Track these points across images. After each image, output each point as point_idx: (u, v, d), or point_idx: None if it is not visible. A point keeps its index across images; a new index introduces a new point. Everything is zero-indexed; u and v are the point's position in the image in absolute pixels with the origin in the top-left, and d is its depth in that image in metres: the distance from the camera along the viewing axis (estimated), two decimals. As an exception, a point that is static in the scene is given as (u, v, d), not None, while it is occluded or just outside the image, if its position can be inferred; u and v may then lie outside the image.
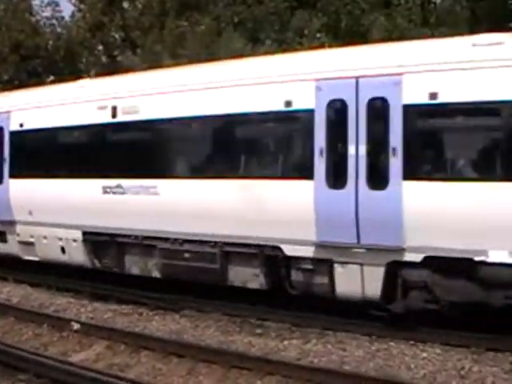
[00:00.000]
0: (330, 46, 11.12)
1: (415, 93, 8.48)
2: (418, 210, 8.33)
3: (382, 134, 8.65)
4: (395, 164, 8.48)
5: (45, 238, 12.85)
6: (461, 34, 10.48)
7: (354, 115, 8.80)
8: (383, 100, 8.66)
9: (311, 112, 9.15)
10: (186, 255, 10.71)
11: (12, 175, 13.27)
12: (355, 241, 8.78)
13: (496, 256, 7.96)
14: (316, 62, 9.69)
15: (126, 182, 11.18)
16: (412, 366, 7.88)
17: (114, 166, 11.44)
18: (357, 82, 8.83)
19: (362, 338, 9.02)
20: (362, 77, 8.80)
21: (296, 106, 9.38)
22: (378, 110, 8.72)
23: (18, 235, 13.40)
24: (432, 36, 15.22)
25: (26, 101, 13.49)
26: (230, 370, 7.82)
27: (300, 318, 9.97)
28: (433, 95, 8.35)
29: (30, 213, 12.85)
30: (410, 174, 8.41)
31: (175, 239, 10.78)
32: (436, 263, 8.40)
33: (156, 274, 11.36)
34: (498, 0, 19.66)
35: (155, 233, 10.95)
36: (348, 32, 18.12)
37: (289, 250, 9.48)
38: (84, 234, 12.11)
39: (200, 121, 10.46)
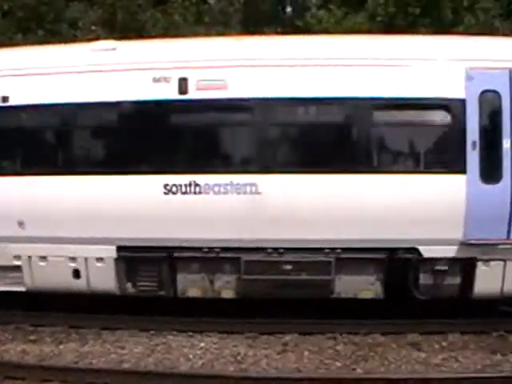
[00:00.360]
0: (106, 39, 10.55)
1: None
2: None
3: None
4: None
5: (43, 258, 9.38)
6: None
7: (509, 107, 8.64)
8: None
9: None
10: (287, 267, 8.90)
11: None
12: (505, 237, 8.62)
13: None
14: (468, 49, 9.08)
15: (203, 179, 8.83)
16: (191, 356, 8.10)
17: (184, 158, 9.01)
18: (510, 73, 8.68)
19: (140, 335, 9.03)
20: None
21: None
22: None
23: None
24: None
25: (16, 64, 9.55)
26: (3, 382, 7.37)
27: (77, 318, 9.63)
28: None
29: (21, 224, 9.29)
30: None
31: (274, 248, 8.91)
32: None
33: (228, 294, 9.20)
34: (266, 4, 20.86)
35: (243, 242, 8.83)
36: (124, 27, 17.90)
37: (427, 251, 8.77)
38: (119, 249, 9.22)
39: (328, 102, 8.82)
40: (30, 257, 9.34)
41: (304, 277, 8.90)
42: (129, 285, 9.38)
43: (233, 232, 8.77)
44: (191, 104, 8.86)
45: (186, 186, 8.77)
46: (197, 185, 8.76)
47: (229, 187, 8.72)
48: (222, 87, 8.76)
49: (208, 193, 8.75)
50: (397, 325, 9.05)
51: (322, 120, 9.04)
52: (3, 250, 9.35)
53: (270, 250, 8.91)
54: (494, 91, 8.69)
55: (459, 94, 8.66)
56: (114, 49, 9.30)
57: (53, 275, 9.31)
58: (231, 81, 8.80)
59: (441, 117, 8.84)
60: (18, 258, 9.39)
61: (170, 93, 8.80)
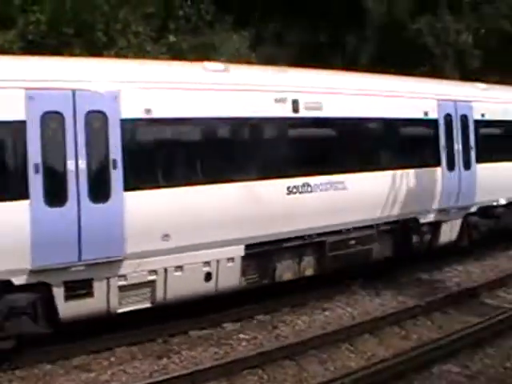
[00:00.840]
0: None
1: (132, 108, 8.98)
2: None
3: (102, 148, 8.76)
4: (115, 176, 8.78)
5: (178, 268, 9.57)
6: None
7: (72, 128, 8.51)
8: (102, 113, 8.75)
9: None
10: (352, 242, 11.66)
11: (127, 188, 9.02)
12: (76, 259, 8.50)
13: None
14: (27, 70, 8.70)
15: (313, 180, 10.90)
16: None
17: (300, 164, 10.92)
18: (74, 94, 8.53)
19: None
20: (80, 90, 8.61)
21: None
22: (96, 123, 8.70)
23: (124, 277, 9.15)
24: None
25: (156, 78, 9.82)
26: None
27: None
28: (147, 110, 9.08)
29: (165, 237, 9.34)
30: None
31: (347, 229, 11.63)
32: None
33: (310, 271, 11.33)
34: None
35: (328, 227, 11.26)
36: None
37: None
38: (246, 247, 10.22)
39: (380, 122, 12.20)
40: (165, 269, 9.43)
41: (360, 247, 11.84)
42: (243, 279, 10.41)
43: (328, 220, 11.18)
44: (301, 121, 11.00)
45: (301, 186, 10.78)
46: (309, 185, 10.85)
47: (328, 185, 11.15)
48: (319, 108, 11.21)
49: (316, 191, 10.95)
50: (64, 349, 8.85)
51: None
52: (137, 266, 9.18)
53: (343, 231, 11.58)
54: (57, 112, 8.47)
55: (19, 115, 8.25)
56: (226, 70, 10.49)
57: (186, 283, 9.63)
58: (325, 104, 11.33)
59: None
60: (153, 272, 9.36)
61: (287, 111, 10.73)
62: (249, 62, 15.57)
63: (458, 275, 13.68)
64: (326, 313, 10.90)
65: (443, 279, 13.31)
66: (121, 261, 8.96)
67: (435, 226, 13.42)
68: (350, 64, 18.68)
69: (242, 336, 9.80)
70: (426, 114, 13.12)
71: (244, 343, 9.55)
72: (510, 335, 9.78)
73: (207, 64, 10.54)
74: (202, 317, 10.19)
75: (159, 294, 9.50)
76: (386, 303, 11.48)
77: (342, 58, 22.42)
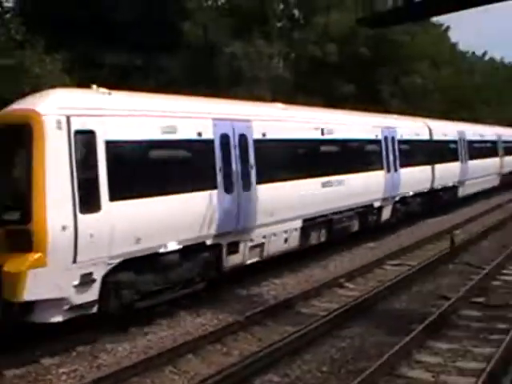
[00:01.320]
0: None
1: (257, 132, 14.11)
2: None
3: None
4: None
5: (274, 235, 14.52)
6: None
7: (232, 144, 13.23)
8: (245, 136, 13.69)
9: None
10: (345, 219, 18.04)
11: (258, 182, 13.72)
12: None
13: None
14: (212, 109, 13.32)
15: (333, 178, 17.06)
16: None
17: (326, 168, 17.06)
18: (232, 124, 13.38)
19: None
20: (235, 120, 13.46)
21: None
22: (243, 141, 13.61)
23: (251, 240, 13.84)
24: None
25: (266, 114, 15.20)
26: None
27: None
28: (263, 134, 14.36)
29: (272, 214, 14.08)
30: None
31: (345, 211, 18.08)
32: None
33: (323, 239, 17.17)
34: None
35: (333, 209, 17.36)
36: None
37: None
38: (304, 221, 15.76)
39: None
40: (268, 235, 14.53)
41: (347, 223, 18.28)
42: (299, 242, 15.81)
43: (336, 204, 17.08)
44: (325, 141, 17.11)
45: (327, 182, 16.57)
46: (330, 182, 16.72)
47: (337, 182, 17.02)
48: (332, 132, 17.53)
49: (332, 186, 16.80)
50: None
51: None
52: (257, 233, 14.13)
53: (344, 212, 17.81)
54: (227, 134, 13.10)
55: (210, 135, 12.60)
56: (286, 108, 16.73)
57: (276, 245, 14.97)
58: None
59: None
60: (264, 237, 14.36)
61: (319, 135, 16.87)
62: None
63: (275, 288, 14.30)
64: (148, 337, 10.79)
65: (261, 293, 13.82)
66: (252, 229, 13.66)
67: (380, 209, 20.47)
68: (166, 86, 18.89)
69: (61, 370, 9.39)
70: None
71: (64, 377, 9.16)
72: (324, 341, 10.37)
73: (279, 105, 16.68)
74: (18, 354, 9.65)
75: (265, 252, 14.42)
76: (206, 322, 11.62)
77: (156, 80, 22.64)
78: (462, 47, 57.66)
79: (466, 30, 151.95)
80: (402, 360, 9.15)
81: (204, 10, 25.21)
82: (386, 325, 11.15)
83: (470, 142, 28.47)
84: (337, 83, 29.47)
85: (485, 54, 69.62)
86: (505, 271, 15.00)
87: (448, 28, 51.56)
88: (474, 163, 28.90)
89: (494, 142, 34.07)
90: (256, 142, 13.77)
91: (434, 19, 43.98)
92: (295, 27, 28.93)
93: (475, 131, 30.75)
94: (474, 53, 63.95)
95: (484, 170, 30.45)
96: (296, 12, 29.78)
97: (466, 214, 26.32)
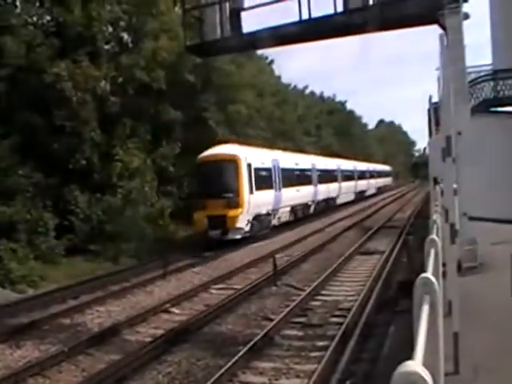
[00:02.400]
0: None
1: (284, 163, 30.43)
2: None
3: None
4: None
5: (283, 212, 30.32)
6: None
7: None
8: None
9: None
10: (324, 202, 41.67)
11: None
12: None
13: None
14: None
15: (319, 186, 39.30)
16: None
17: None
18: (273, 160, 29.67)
19: None
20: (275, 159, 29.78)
21: None
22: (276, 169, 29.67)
23: (278, 212, 29.85)
24: None
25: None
26: None
27: None
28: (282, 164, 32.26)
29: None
30: None
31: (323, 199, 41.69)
32: None
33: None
34: None
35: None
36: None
37: None
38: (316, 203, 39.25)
39: None
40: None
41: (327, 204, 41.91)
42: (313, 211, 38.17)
43: (325, 195, 41.85)
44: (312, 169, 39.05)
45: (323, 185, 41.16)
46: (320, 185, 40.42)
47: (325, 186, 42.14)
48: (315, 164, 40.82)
49: (322, 187, 40.25)
50: None
51: None
52: None
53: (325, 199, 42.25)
54: (269, 168, 29.82)
55: (269, 165, 29.24)
56: (286, 152, 36.39)
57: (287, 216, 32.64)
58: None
59: None
60: None
61: (309, 165, 38.25)
62: None
63: (99, 315, 13.96)
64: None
65: (85, 321, 13.40)
66: (279, 208, 30.18)
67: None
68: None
69: None
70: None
71: None
72: (151, 367, 10.26)
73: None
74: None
75: (281, 219, 31.28)
76: (28, 354, 11.03)
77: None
78: (285, 80, 60.71)
79: (290, 65, 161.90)
80: (227, 382, 9.31)
81: (27, 28, 24.14)
82: (212, 348, 11.29)
83: (320, 170, 40.68)
84: (164, 109, 29.62)
85: (306, 87, 74.39)
86: (323, 292, 15.85)
87: (272, 61, 54.39)
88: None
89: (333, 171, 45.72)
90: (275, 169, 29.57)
91: (260, 52, 46.26)
92: (123, 51, 28.67)
93: (322, 161, 43.46)
94: (295, 86, 67.73)
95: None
96: (125, 35, 29.53)
97: (288, 238, 27.55)
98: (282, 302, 15.09)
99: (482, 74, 19.99)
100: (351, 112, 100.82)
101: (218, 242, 24.46)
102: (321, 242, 25.63)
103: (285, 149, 37.03)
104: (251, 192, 25.38)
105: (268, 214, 28.66)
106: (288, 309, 13.57)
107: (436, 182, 14.77)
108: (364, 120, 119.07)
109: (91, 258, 21.83)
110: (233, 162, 24.79)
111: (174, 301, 15.17)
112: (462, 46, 8.49)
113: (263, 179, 27.14)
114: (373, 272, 17.75)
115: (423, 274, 3.88)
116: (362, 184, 57.68)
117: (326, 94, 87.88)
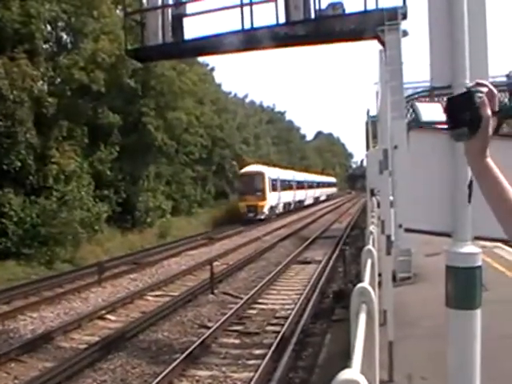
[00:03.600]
0: None
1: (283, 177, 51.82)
2: None
3: None
4: None
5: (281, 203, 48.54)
6: None
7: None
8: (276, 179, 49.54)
9: None
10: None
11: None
12: None
13: None
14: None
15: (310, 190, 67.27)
16: None
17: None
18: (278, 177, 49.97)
19: None
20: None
21: None
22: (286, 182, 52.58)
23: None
24: None
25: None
26: None
27: None
28: (277, 176, 50.59)
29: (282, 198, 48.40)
30: None
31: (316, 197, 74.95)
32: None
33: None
34: None
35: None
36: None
37: None
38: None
39: None
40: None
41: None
42: None
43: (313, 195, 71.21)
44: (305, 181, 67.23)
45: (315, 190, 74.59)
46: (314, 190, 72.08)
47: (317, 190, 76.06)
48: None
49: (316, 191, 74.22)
50: None
51: None
52: None
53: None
54: (290, 180, 55.59)
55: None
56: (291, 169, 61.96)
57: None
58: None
59: None
60: None
61: (303, 178, 65.78)
62: None
63: (32, 322, 13.62)
64: None
65: (17, 328, 13.05)
66: (280, 202, 50.58)
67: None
68: None
69: None
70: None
71: None
72: (85, 375, 10.11)
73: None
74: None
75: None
76: None
77: None
78: (225, 88, 61.05)
79: (231, 73, 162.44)
80: (164, 390, 9.29)
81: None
82: (148, 355, 11.23)
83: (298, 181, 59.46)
84: (102, 112, 29.21)
85: (246, 96, 74.81)
86: (260, 300, 15.99)
87: (213, 69, 54.44)
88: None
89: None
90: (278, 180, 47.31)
91: (201, 59, 46.24)
92: (62, 51, 28.12)
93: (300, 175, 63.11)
94: (236, 94, 68.01)
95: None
96: (64, 35, 28.99)
97: (225, 247, 27.62)
98: (219, 309, 15.13)
99: (419, 89, 20.67)
100: (290, 122, 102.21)
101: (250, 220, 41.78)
102: (258, 251, 25.80)
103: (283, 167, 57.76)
104: (269, 192, 44.88)
105: (276, 206, 47.93)
106: (225, 317, 13.63)
107: (373, 193, 15.16)
108: (302, 131, 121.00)
109: (24, 262, 21.28)
110: (260, 174, 44.60)
111: (109, 307, 14.98)
112: (399, 62, 8.77)
113: (275, 186, 46.69)
114: (310, 281, 18.00)
115: (360, 284, 4.02)
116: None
117: (265, 104, 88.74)
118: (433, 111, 4.22)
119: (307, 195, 65.53)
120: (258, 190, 43.63)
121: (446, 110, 2.08)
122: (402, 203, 8.91)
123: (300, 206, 59.93)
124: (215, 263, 21.09)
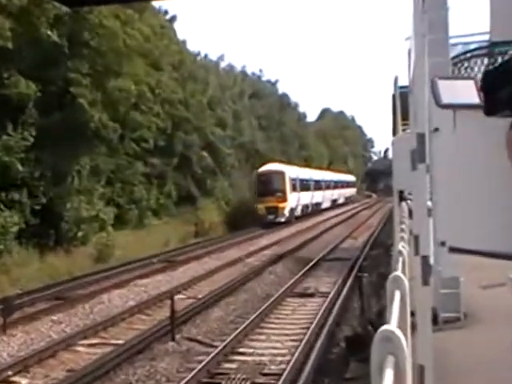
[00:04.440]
0: None
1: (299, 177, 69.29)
2: None
3: None
4: None
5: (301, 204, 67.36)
6: None
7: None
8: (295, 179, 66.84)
9: None
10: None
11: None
12: None
13: None
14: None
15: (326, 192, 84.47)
16: None
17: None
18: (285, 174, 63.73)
19: None
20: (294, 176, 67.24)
21: None
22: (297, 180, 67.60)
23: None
24: None
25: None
26: None
27: None
28: (297, 176, 68.38)
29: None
30: None
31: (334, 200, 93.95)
32: None
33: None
34: None
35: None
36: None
37: None
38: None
39: None
40: None
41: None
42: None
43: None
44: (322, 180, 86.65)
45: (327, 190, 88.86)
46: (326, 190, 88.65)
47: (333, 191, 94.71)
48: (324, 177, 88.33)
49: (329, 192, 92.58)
50: None
51: None
52: None
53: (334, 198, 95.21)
54: (308, 180, 73.70)
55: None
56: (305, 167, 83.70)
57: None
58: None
59: None
60: None
61: (322, 177, 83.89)
62: None
63: None
64: None
65: None
66: (300, 203, 69.17)
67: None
68: None
69: None
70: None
71: None
72: None
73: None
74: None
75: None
76: None
77: None
78: (192, 47, 60.56)
79: (200, 25, 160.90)
80: None
81: None
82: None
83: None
84: (10, 78, 28.60)
85: (221, 58, 72.71)
86: (242, 349, 15.93)
87: (174, 18, 53.36)
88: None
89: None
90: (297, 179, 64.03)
91: (157, 4, 46.05)
92: None
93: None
94: (206, 56, 66.96)
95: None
96: None
97: (192, 272, 27.58)
98: (183, 363, 15.06)
99: (473, 47, 20.67)
100: (285, 96, 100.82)
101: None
102: (238, 279, 25.74)
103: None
104: (290, 193, 58.98)
105: (295, 208, 62.23)
106: (191, 374, 13.55)
107: (402, 197, 15.16)
108: (301, 108, 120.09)
109: None
110: (281, 173, 59.25)
111: (18, 366, 14.83)
112: (444, 7, 8.76)
113: (294, 186, 61.20)
114: (312, 322, 17.97)
115: (385, 326, 3.95)
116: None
117: (249, 70, 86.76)
118: (461, 90, 4.07)
119: (324, 197, 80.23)
120: (279, 190, 57.47)
121: (483, 87, 2.02)
122: (446, 212, 8.82)
123: (317, 209, 74.84)
124: (177, 296, 21.00)
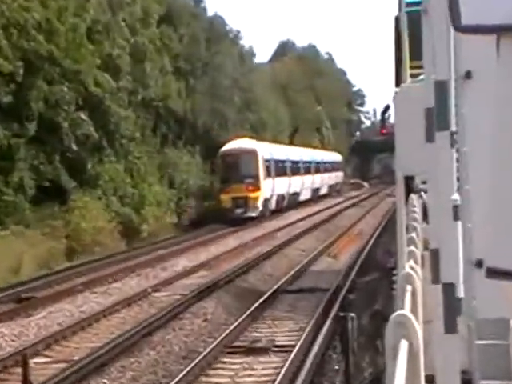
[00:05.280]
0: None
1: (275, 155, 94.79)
2: None
3: None
4: None
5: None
6: None
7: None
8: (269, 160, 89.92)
9: None
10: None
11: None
12: None
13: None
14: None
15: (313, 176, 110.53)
16: None
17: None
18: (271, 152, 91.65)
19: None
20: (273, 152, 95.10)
21: None
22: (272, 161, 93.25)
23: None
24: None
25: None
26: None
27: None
28: (271, 156, 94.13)
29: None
30: None
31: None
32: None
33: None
34: None
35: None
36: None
37: None
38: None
39: None
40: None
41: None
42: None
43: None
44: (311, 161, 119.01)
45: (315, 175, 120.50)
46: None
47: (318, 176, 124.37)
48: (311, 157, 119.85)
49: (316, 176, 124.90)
50: None
51: None
52: None
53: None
54: (271, 160, 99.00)
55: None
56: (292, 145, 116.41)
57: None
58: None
59: None
60: None
61: (307, 157, 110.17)
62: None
63: None
64: None
65: None
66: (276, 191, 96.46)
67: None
68: None
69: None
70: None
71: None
72: None
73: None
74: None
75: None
76: None
77: None
78: None
79: None
80: None
81: None
82: None
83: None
84: None
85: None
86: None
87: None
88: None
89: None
90: (272, 161, 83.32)
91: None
92: None
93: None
94: None
95: None
96: None
97: (60, 319, 27.02)
98: None
99: None
100: (218, 21, 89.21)
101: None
102: (138, 328, 25.19)
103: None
104: (264, 179, 72.98)
105: (269, 199, 73.19)
106: None
107: (411, 188, 14.45)
108: (246, 42, 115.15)
109: None
110: (252, 153, 73.55)
111: None
112: None
113: (268, 170, 77.47)
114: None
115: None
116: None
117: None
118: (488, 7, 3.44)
119: (304, 185, 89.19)
120: (250, 175, 65.31)
121: None
122: (486, 212, 8.08)
123: (294, 201, 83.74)
124: (34, 360, 20.24)
